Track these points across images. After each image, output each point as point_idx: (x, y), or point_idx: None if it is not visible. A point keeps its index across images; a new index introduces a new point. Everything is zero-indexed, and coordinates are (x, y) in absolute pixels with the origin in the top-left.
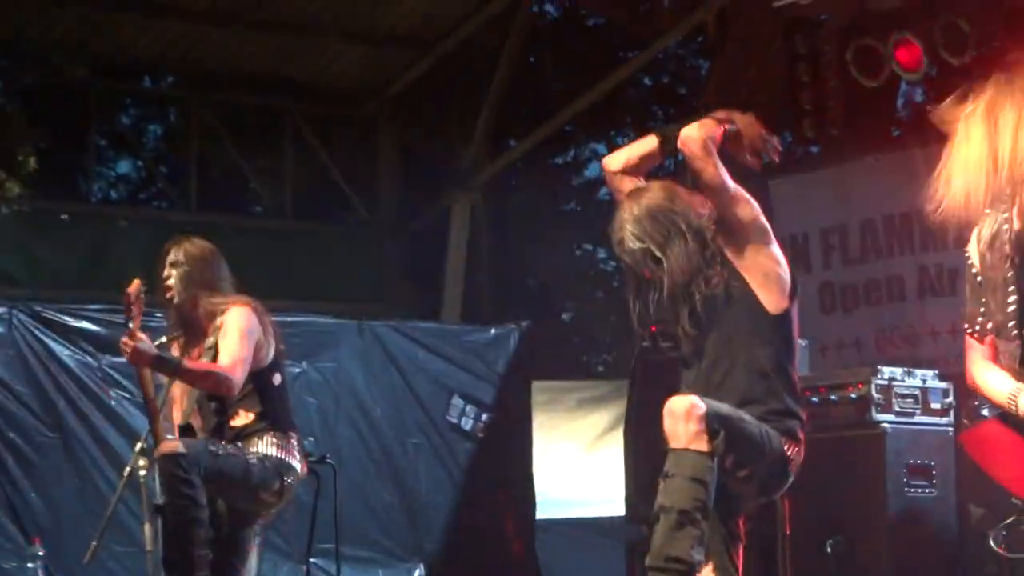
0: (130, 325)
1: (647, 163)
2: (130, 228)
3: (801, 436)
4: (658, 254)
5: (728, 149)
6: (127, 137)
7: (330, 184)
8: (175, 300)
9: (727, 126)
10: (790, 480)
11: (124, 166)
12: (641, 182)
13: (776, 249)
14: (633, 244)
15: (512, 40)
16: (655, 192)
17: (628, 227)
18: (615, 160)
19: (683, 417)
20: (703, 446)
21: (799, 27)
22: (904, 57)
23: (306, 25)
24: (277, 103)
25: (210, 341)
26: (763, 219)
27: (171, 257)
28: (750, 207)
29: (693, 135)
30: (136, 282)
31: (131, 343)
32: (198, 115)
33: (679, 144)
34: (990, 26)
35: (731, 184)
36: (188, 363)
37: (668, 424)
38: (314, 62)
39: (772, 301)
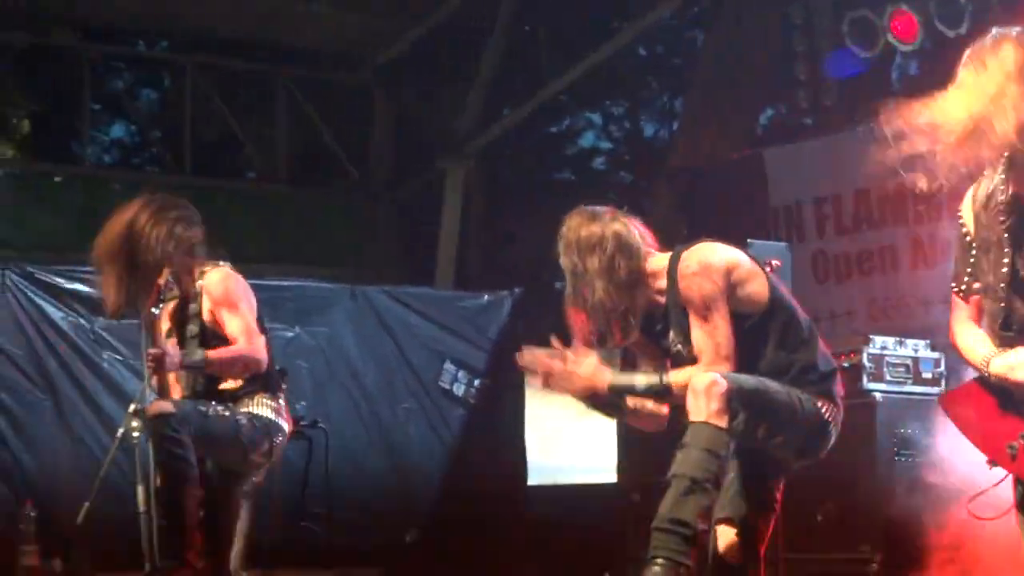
0: (152, 322)
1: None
2: (124, 192)
3: (838, 394)
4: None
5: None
6: (121, 101)
7: (324, 149)
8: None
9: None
10: (832, 439)
11: (118, 130)
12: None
13: (749, 286)
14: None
15: (506, 7)
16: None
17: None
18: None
19: (704, 394)
20: (721, 423)
21: None
22: (900, 28)
23: None
24: (271, 68)
25: (193, 308)
26: (731, 290)
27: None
28: (719, 304)
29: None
30: (166, 271)
31: (162, 356)
32: (192, 80)
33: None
34: None
35: (717, 332)
36: (213, 356)
37: (690, 399)
38: (309, 27)
39: (756, 299)
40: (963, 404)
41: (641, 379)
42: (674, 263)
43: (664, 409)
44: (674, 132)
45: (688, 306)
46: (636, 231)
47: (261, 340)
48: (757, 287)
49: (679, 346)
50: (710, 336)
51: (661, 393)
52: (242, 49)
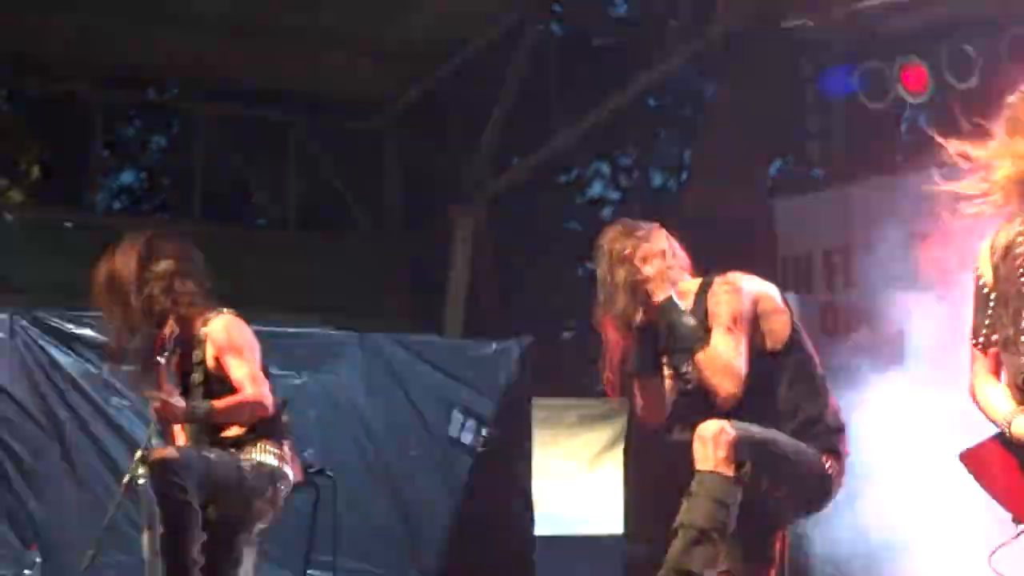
0: (158, 371)
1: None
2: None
3: (842, 450)
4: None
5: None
6: (131, 148)
7: (334, 196)
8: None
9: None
10: (832, 495)
11: (128, 176)
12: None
13: (773, 320)
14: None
15: (518, 58)
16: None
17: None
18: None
19: (712, 442)
20: (729, 472)
21: (805, 49)
22: (910, 80)
23: (312, 37)
24: (282, 115)
25: (197, 355)
26: (758, 306)
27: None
28: (740, 316)
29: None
30: (171, 322)
31: (167, 404)
32: (202, 126)
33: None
34: (996, 51)
35: (740, 346)
36: (219, 406)
37: (697, 448)
38: (319, 75)
39: (777, 335)
40: (984, 461)
41: (690, 318)
42: (705, 286)
43: (666, 403)
44: (683, 182)
45: (714, 320)
46: (670, 251)
47: (266, 386)
48: (780, 324)
49: (691, 368)
50: (732, 347)
51: (691, 337)
52: (252, 96)
